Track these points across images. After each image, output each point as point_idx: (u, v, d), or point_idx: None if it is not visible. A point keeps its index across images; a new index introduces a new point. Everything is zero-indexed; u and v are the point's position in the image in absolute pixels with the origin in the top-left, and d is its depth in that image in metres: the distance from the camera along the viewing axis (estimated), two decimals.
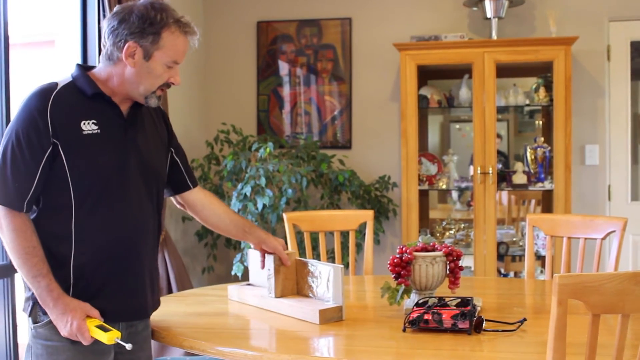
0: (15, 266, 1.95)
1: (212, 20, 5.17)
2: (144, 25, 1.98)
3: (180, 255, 4.43)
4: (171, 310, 2.41)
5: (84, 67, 2.09)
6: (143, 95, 2.05)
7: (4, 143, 1.95)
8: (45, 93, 1.96)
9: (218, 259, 4.92)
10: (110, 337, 1.94)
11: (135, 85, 2.03)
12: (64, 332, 1.94)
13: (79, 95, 2.01)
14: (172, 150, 2.32)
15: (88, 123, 1.98)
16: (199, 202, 2.42)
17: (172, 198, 2.42)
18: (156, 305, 2.23)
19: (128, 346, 1.94)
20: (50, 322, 1.97)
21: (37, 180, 1.93)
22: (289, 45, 5.07)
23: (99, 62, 2.14)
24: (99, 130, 1.99)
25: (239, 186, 4.24)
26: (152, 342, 2.23)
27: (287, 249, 2.48)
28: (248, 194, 4.17)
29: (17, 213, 1.93)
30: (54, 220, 1.99)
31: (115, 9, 2.03)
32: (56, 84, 2.00)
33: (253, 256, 2.58)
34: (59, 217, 1.98)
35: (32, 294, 1.99)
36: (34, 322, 2.01)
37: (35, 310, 2.01)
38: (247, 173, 4.27)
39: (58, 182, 1.96)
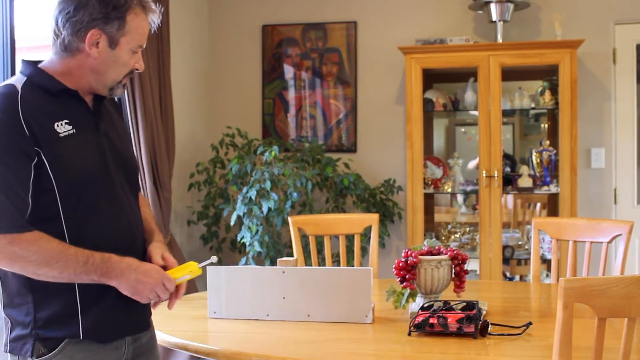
0: (57, 273, 1.72)
1: (218, 24, 5.17)
2: (107, 10, 1.78)
3: (185, 258, 4.43)
4: (176, 313, 2.40)
5: (34, 62, 1.86)
6: (108, 87, 1.87)
7: None
8: (9, 97, 1.73)
9: (223, 263, 4.91)
10: (192, 268, 1.89)
11: (101, 77, 1.84)
12: (148, 288, 1.79)
13: (43, 95, 1.79)
14: None
15: (61, 124, 1.77)
16: None
17: None
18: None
19: (214, 258, 1.95)
20: (57, 353, 1.77)
21: (30, 194, 1.72)
22: (294, 49, 5.07)
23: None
24: (74, 130, 1.79)
25: (244, 190, 4.24)
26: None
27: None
28: (253, 197, 4.17)
29: (27, 235, 1.70)
30: None
31: None
32: (13, 86, 1.76)
33: (212, 273, 2.44)
34: (50, 234, 1.74)
35: (30, 331, 1.77)
36: (37, 356, 1.78)
37: (38, 346, 1.77)
38: (253, 176, 4.27)
39: (43, 194, 1.74)
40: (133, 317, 1.94)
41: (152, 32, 1.93)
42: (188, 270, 1.89)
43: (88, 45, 1.79)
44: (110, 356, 1.86)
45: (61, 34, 1.80)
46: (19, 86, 1.77)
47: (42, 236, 1.72)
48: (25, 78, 1.81)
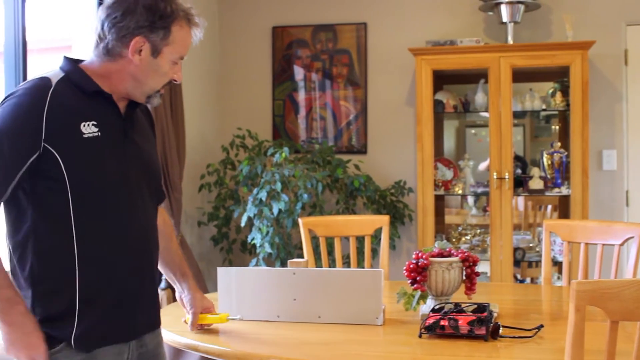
0: None
1: (228, 25, 5.18)
2: (153, 18, 1.79)
3: (195, 259, 4.44)
4: (185, 313, 2.40)
5: (75, 60, 1.88)
6: (146, 95, 1.88)
7: None
8: (41, 90, 1.75)
9: (234, 264, 4.92)
10: (222, 317, 2.21)
11: (140, 84, 1.86)
12: (22, 354, 1.72)
13: (77, 93, 1.80)
14: None
15: (88, 125, 1.77)
16: None
17: None
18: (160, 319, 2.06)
19: (238, 317, 2.20)
20: (55, 353, 1.76)
21: (11, 188, 1.72)
22: (304, 50, 5.07)
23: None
24: (99, 133, 1.79)
25: (255, 191, 4.24)
26: (167, 346, 2.22)
27: (213, 310, 2.26)
28: (264, 198, 4.17)
29: None
30: (53, 237, 1.76)
31: None
32: (49, 79, 1.78)
33: (223, 275, 2.46)
34: (58, 232, 1.76)
35: None
36: None
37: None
38: (263, 178, 4.27)
39: (55, 192, 1.75)
40: (141, 319, 1.92)
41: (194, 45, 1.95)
42: (219, 317, 2.22)
43: (131, 52, 1.81)
44: None
45: (105, 38, 1.81)
46: (54, 80, 1.78)
47: None
48: (63, 74, 1.82)
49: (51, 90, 1.75)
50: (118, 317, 1.84)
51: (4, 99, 1.77)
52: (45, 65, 1.93)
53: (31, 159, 1.71)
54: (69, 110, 1.76)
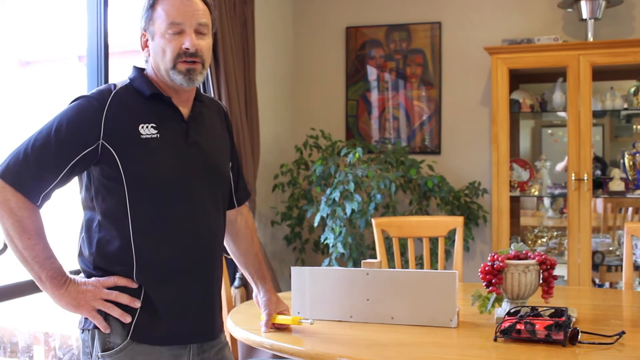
0: (20, 247, 1.77)
1: (302, 25, 5.22)
2: (145, 10, 1.91)
3: (269, 258, 4.49)
4: (259, 313, 2.43)
5: (142, 69, 1.98)
6: (172, 80, 1.89)
7: (40, 127, 1.82)
8: (103, 94, 1.86)
9: (306, 263, 4.95)
10: (295, 319, 2.19)
11: (160, 72, 1.91)
12: (90, 295, 1.81)
13: (138, 97, 1.89)
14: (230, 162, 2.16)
15: (147, 127, 1.86)
16: (230, 227, 2.23)
17: None
18: (222, 325, 2.09)
19: (310, 321, 2.17)
20: (123, 348, 1.83)
21: (62, 176, 1.80)
22: (377, 51, 5.06)
23: None
24: (158, 135, 1.86)
25: (328, 191, 4.25)
26: (240, 344, 2.25)
27: (287, 313, 2.29)
28: (337, 199, 4.18)
29: (29, 203, 1.77)
30: (113, 235, 1.84)
31: None
32: (115, 86, 1.90)
33: (296, 274, 2.46)
34: (117, 231, 1.84)
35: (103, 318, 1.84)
36: (103, 349, 1.84)
37: (103, 336, 1.85)
38: (336, 178, 4.28)
39: (114, 192, 1.83)
40: (200, 323, 1.95)
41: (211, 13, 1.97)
42: (292, 319, 2.21)
43: (142, 49, 1.95)
44: None
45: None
46: (119, 86, 1.90)
47: (39, 216, 1.80)
48: (128, 81, 1.93)
49: (113, 94, 1.86)
50: (173, 318, 1.88)
51: (75, 99, 1.88)
52: (126, 67, 2.01)
53: (86, 151, 1.80)
54: (127, 112, 1.85)
